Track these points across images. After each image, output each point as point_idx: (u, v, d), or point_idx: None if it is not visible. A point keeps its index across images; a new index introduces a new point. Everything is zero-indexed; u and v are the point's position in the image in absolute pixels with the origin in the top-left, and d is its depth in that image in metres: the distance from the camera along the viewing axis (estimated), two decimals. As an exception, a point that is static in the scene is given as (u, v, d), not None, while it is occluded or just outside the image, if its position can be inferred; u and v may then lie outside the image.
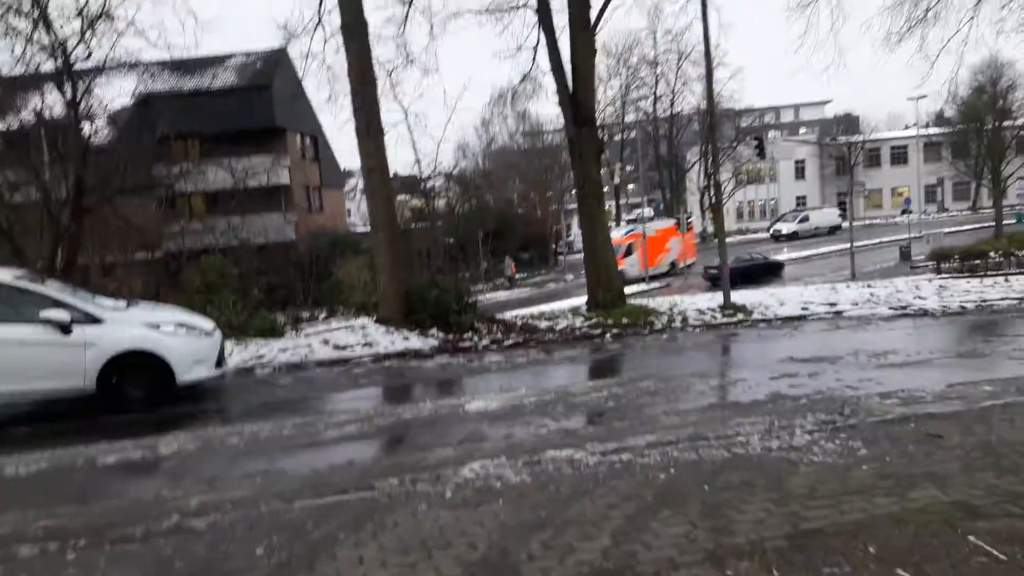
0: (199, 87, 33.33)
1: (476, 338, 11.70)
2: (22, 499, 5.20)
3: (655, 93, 51.20)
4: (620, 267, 28.04)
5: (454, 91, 66.19)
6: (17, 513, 4.82)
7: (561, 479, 4.81)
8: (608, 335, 11.72)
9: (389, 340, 11.42)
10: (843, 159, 59.45)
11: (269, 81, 34.17)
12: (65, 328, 7.51)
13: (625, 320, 12.47)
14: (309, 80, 40.62)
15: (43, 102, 14.36)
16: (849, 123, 69.02)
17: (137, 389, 7.78)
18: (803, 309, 13.10)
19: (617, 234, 30.94)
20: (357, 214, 59.45)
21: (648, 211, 35.37)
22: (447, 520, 4.22)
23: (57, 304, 7.63)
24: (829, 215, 53.14)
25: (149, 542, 4.22)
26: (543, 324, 12.71)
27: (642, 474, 4.79)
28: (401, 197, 27.59)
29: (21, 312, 7.53)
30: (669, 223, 35.94)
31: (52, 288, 8.03)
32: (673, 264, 34.46)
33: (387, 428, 6.75)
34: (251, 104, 33.36)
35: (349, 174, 57.26)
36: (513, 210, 45.41)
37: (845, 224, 50.86)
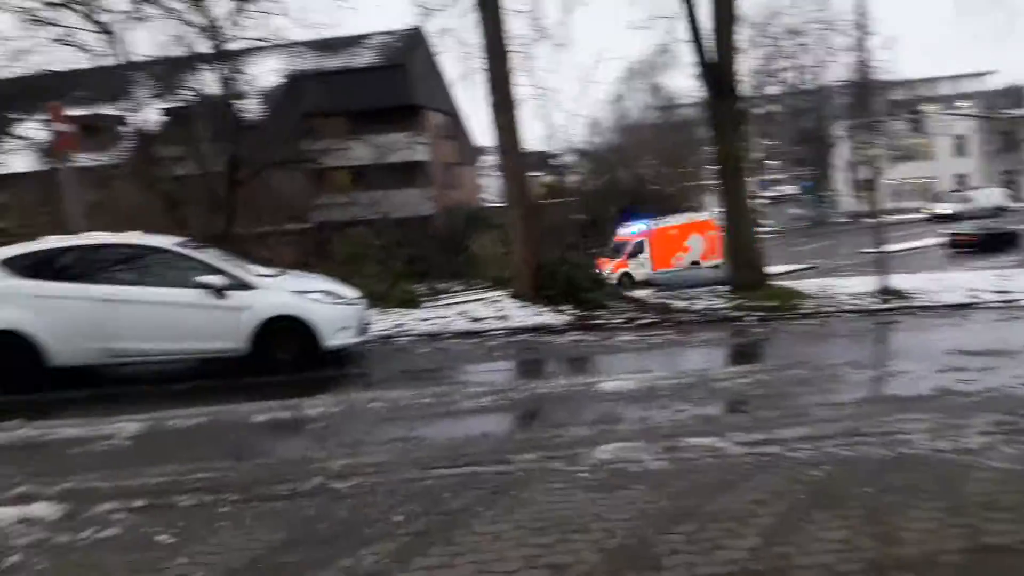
0: (342, 66, 34.58)
1: (608, 316, 11.50)
2: (182, 452, 5.54)
3: (797, 64, 48.24)
4: (624, 269, 26.46)
5: (587, 65, 65.30)
6: (178, 465, 5.14)
7: (703, 469, 4.56)
8: (751, 318, 11.16)
9: (522, 314, 11.43)
10: (1009, 135, 53.95)
11: (407, 60, 34.95)
12: (221, 293, 7.98)
13: (770, 302, 11.82)
14: (445, 57, 41.31)
15: (200, 81, 15.32)
16: (1017, 96, 62.32)
17: (285, 353, 8.15)
18: (970, 296, 11.95)
19: (624, 232, 28.48)
20: (491, 190, 60.25)
21: (789, 188, 32.92)
22: (583, 502, 4.11)
23: (215, 271, 8.12)
24: (993, 195, 48.36)
25: (294, 501, 4.37)
26: (679, 304, 12.30)
27: (793, 470, 4.46)
28: (533, 173, 27.57)
29: (183, 277, 8.07)
30: (696, 217, 32.24)
31: (211, 255, 8.56)
32: (696, 264, 30.61)
33: (521, 402, 6.72)
34: (390, 82, 34.26)
35: (483, 151, 57.99)
36: (645, 186, 44.41)
37: (1013, 205, 46.29)
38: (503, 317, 11.33)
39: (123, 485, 4.76)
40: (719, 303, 12.20)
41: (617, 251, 28.38)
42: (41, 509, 4.34)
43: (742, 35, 13.87)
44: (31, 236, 9.05)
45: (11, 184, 22.48)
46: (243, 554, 3.66)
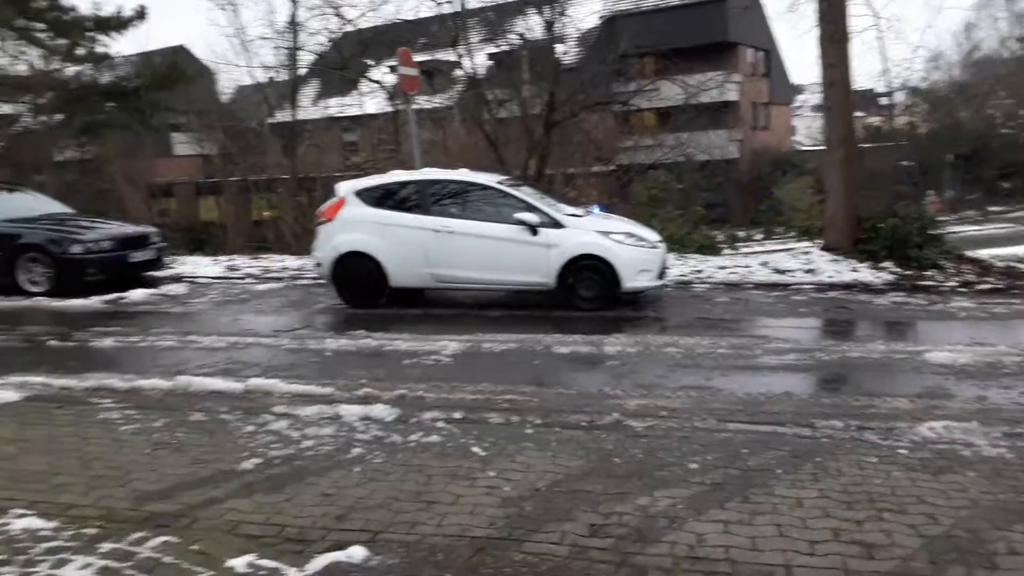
0: (656, 4, 33.94)
1: (940, 277, 10.16)
2: (494, 373, 6.04)
3: None
4: None
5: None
6: (490, 384, 5.63)
7: (1057, 464, 3.91)
8: None
9: (834, 269, 10.54)
10: None
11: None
12: (534, 230, 8.45)
13: None
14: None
15: (526, 26, 16.05)
16: None
17: (588, 290, 8.45)
18: None
19: None
20: (804, 131, 55.89)
21: None
22: (901, 481, 3.74)
23: (529, 208, 8.60)
24: None
25: (592, 433, 4.56)
26: (1035, 269, 10.46)
27: None
28: (859, 114, 24.92)
29: (503, 213, 8.66)
30: None
31: (526, 193, 9.07)
32: None
33: (829, 364, 6.25)
34: (705, 18, 32.93)
35: (799, 89, 53.73)
36: (994, 130, 37.92)
37: None
38: (812, 271, 10.56)
39: (445, 397, 5.34)
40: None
41: None
42: (379, 411, 5.02)
43: None
44: (377, 171, 10.33)
45: (362, 124, 25.81)
46: (545, 476, 3.92)
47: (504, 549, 3.18)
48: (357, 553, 3.13)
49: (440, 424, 4.76)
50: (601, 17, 25.75)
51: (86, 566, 3.00)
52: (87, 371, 6.29)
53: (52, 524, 3.41)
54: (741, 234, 21.23)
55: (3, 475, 4.08)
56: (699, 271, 10.89)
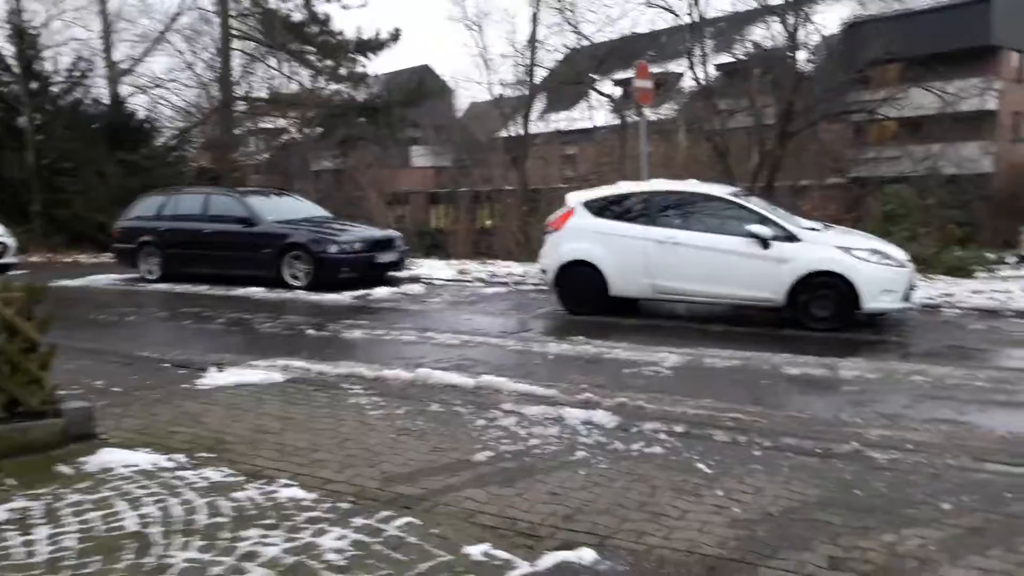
0: (905, 8, 31.13)
1: None
2: (717, 389, 5.88)
3: None
4: None
5: None
6: (713, 400, 5.49)
7: None
8: None
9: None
10: None
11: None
12: (766, 243, 8.12)
13: None
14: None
15: (764, 34, 15.46)
16: None
17: (822, 309, 7.96)
18: None
19: None
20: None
21: None
22: None
23: (762, 220, 8.29)
24: None
25: (828, 462, 4.30)
26: None
27: None
28: None
29: (733, 225, 8.42)
30: None
31: (757, 205, 8.75)
32: None
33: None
34: (964, 21, 29.70)
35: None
36: None
37: None
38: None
39: (666, 409, 5.29)
40: None
41: None
42: (601, 416, 5.07)
43: None
44: (602, 183, 10.48)
45: (586, 137, 26.27)
46: (778, 501, 3.75)
47: (736, 571, 3.10)
48: (587, 555, 3.19)
49: (662, 436, 4.73)
50: (845, 23, 24.13)
51: (341, 537, 3.32)
52: (340, 359, 7.00)
53: (312, 496, 3.80)
54: (993, 255, 18.87)
55: (272, 447, 4.64)
56: (949, 294, 9.89)
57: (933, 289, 10.14)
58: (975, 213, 26.16)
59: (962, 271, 12.02)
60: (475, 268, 13.66)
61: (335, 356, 7.14)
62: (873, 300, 7.80)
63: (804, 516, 3.58)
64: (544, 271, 9.58)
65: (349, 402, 5.58)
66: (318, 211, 13.64)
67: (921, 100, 20.99)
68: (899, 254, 8.31)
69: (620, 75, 20.78)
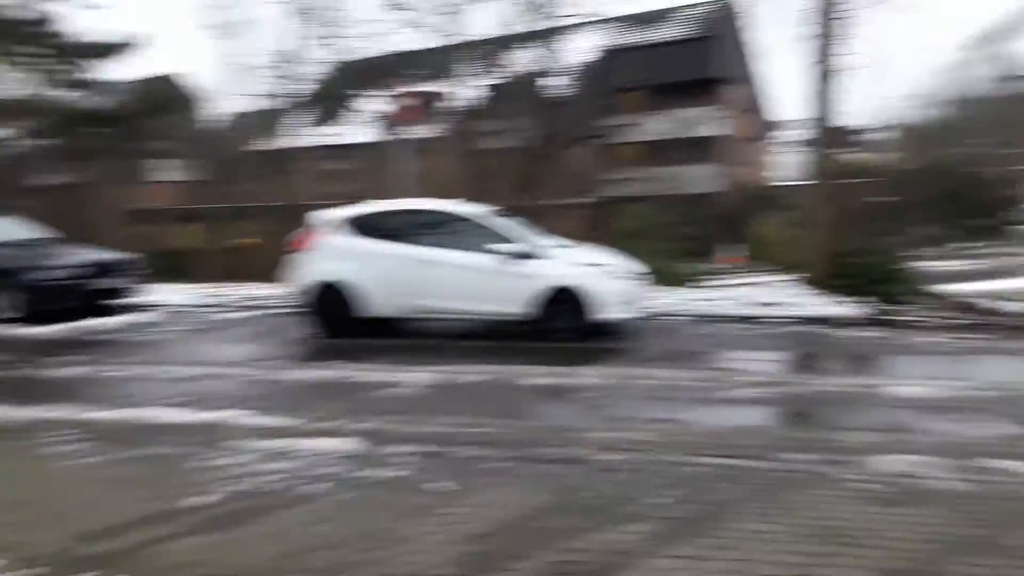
0: (646, 40, 34.42)
1: (913, 313, 10.27)
2: (469, 405, 6.01)
3: None
4: None
5: (926, 29, 57.59)
6: (466, 417, 5.59)
7: (1009, 496, 3.98)
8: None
9: (806, 303, 10.67)
10: None
11: (712, 31, 33.83)
12: (511, 260, 8.52)
13: None
14: (752, 27, 39.07)
15: (518, 60, 16.25)
16: None
17: (562, 322, 8.49)
18: None
19: None
20: (780, 167, 56.58)
21: None
22: (865, 515, 3.77)
23: (510, 239, 8.68)
24: None
25: (561, 467, 4.53)
26: (1009, 306, 10.58)
27: None
28: (841, 150, 25.25)
29: (479, 243, 8.73)
30: None
31: (509, 225, 9.12)
32: None
33: (798, 398, 6.29)
34: (694, 55, 33.47)
35: (774, 125, 54.42)
36: (977, 170, 38.48)
37: None
38: (785, 304, 10.66)
39: (418, 431, 5.26)
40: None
41: None
42: (349, 444, 4.94)
43: None
44: (360, 200, 10.35)
45: (346, 154, 25.85)
46: (513, 511, 3.89)
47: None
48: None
49: (413, 458, 4.73)
50: (595, 51, 26.15)
51: None
52: (39, 402, 6.19)
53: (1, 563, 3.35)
54: (717, 267, 21.32)
55: None
56: (676, 303, 10.95)
57: (664, 299, 11.15)
58: (709, 228, 29.42)
59: (689, 281, 13.48)
60: (228, 291, 12.87)
61: (32, 399, 6.27)
62: (605, 311, 8.46)
63: (535, 524, 3.76)
64: (294, 292, 9.25)
65: (44, 452, 4.95)
66: (36, 233, 12.08)
67: (660, 127, 23.30)
68: (631, 267, 9.11)
69: (384, 92, 20.78)
